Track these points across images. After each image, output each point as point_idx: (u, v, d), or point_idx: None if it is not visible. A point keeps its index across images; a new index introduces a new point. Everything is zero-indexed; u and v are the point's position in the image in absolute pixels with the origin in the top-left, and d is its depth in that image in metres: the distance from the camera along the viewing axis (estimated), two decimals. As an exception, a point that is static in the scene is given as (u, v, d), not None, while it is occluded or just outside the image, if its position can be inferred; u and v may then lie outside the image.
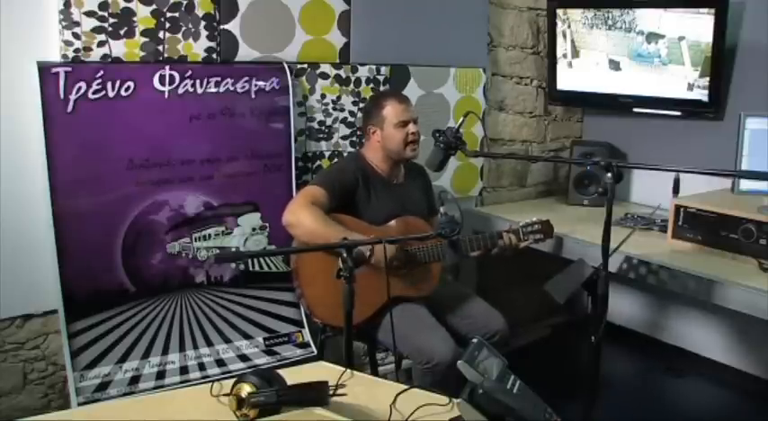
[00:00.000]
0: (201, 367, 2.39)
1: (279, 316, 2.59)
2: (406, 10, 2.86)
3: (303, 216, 2.18)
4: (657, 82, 3.07)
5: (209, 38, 2.41)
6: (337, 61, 2.72)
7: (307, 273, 2.28)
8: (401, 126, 2.37)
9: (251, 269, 2.54)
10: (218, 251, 2.43)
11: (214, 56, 2.44)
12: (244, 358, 2.47)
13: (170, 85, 2.29)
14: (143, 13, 2.27)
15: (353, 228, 2.24)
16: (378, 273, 2.17)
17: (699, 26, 2.86)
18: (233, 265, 2.50)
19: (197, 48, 2.39)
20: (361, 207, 2.35)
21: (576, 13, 3.22)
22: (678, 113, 3.11)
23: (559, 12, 3.26)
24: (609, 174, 1.87)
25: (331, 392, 1.34)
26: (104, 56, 2.22)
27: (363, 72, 2.78)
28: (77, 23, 2.16)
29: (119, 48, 2.24)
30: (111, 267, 2.25)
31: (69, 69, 2.11)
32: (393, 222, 2.36)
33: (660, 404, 2.97)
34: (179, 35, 2.35)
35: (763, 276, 2.26)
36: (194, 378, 2.35)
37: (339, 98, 2.74)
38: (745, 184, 2.48)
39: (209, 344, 2.44)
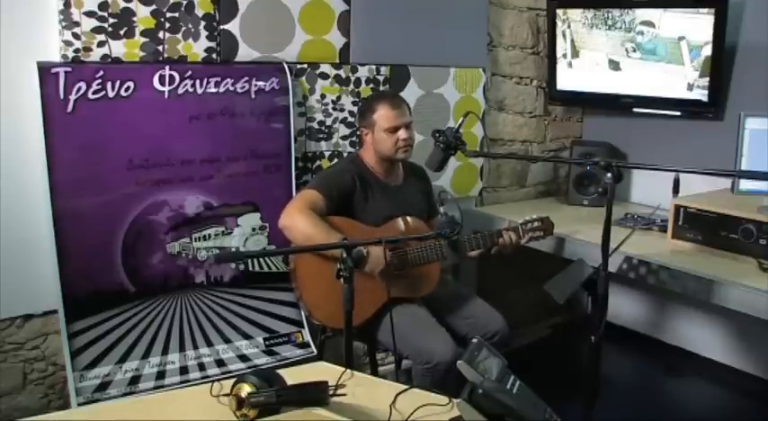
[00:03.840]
0: (201, 367, 2.39)
1: (279, 316, 2.59)
2: (406, 10, 2.86)
3: (299, 220, 2.18)
4: (657, 82, 3.07)
5: (209, 38, 2.41)
6: (337, 61, 2.71)
7: (304, 275, 2.28)
8: (391, 132, 2.34)
9: (251, 269, 2.53)
10: (218, 251, 2.43)
11: (214, 56, 2.44)
12: (244, 358, 2.47)
13: (170, 85, 2.29)
14: (143, 13, 2.27)
15: (350, 232, 2.23)
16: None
17: (699, 26, 2.87)
18: (233, 265, 2.50)
19: (197, 48, 2.39)
20: (358, 210, 2.35)
21: (575, 13, 3.22)
22: (678, 113, 3.11)
23: (559, 12, 3.26)
24: (609, 175, 1.87)
25: (331, 392, 1.34)
26: (104, 56, 2.22)
27: (363, 72, 2.78)
28: (77, 23, 2.15)
29: (119, 48, 2.24)
30: (111, 267, 2.25)
31: (69, 69, 2.11)
32: (391, 222, 2.35)
33: (660, 404, 2.97)
34: (179, 35, 2.35)
35: (763, 276, 2.26)
36: (194, 378, 2.35)
37: (339, 98, 2.74)
38: (745, 184, 2.48)
39: (209, 344, 2.44)
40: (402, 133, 2.35)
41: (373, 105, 2.39)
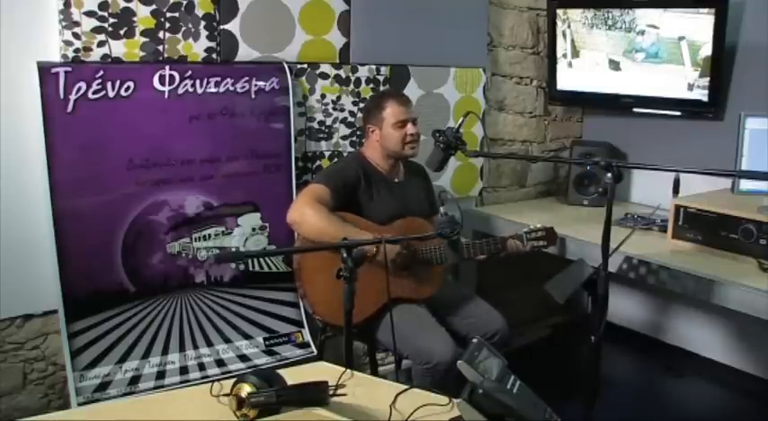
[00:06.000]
0: (201, 367, 2.39)
1: (279, 316, 2.59)
2: (406, 10, 2.86)
3: (308, 214, 2.19)
4: (657, 82, 3.07)
5: (209, 38, 2.41)
6: (337, 61, 2.71)
7: (309, 271, 2.28)
8: (399, 126, 2.38)
9: (251, 269, 2.54)
10: (218, 251, 2.43)
11: (214, 56, 2.44)
12: (244, 358, 2.47)
13: (170, 85, 2.29)
14: (143, 13, 2.27)
15: (358, 226, 2.24)
16: (380, 272, 2.17)
17: (699, 26, 2.86)
18: (233, 265, 2.50)
19: (197, 48, 2.39)
20: (363, 205, 2.36)
21: (576, 13, 3.22)
22: (678, 113, 3.11)
23: (559, 12, 3.26)
24: (609, 174, 1.87)
25: (331, 392, 1.34)
26: (104, 56, 2.22)
27: (363, 72, 2.78)
28: (77, 23, 2.15)
29: (119, 48, 2.24)
30: (111, 267, 2.25)
31: (69, 69, 2.11)
32: (397, 222, 2.36)
33: (660, 404, 2.97)
34: (179, 35, 2.35)
35: (763, 276, 2.26)
36: (194, 378, 2.35)
37: (339, 98, 2.74)
38: (745, 184, 2.48)
39: (209, 344, 2.44)
40: (410, 128, 2.39)
41: (381, 102, 2.42)
